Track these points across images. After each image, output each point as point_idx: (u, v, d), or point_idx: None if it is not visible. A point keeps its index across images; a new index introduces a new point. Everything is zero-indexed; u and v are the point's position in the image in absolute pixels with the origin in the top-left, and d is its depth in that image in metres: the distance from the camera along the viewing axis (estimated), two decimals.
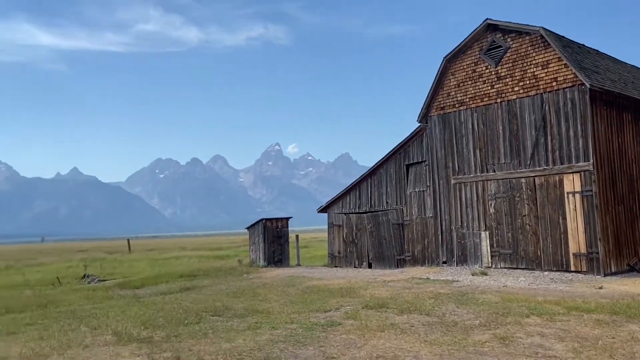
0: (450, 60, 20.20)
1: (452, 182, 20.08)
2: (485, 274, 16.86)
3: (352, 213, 23.82)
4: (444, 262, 20.02)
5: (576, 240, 16.66)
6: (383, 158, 22.72)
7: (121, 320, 10.88)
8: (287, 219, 26.62)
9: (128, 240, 56.77)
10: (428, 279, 16.91)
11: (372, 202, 23.07)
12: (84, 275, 23.43)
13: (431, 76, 21.06)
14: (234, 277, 20.72)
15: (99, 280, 21.93)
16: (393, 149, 22.35)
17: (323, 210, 25.49)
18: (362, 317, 10.31)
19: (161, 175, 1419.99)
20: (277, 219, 26.35)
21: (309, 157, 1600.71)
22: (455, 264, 19.58)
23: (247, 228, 27.11)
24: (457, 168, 19.99)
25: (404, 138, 22.08)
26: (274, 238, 25.58)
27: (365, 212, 23.26)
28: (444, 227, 20.21)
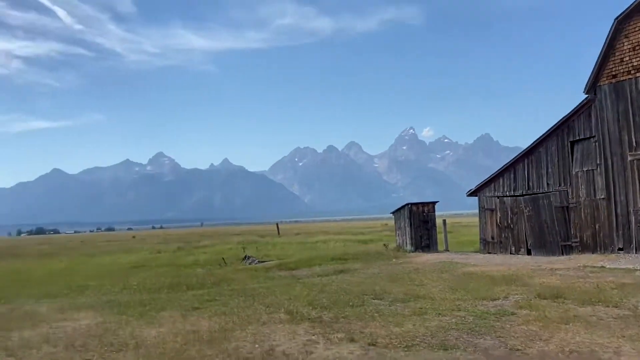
0: (623, 21, 17.70)
1: (629, 158, 17.67)
2: None
3: (507, 196, 22.31)
4: (620, 249, 17.80)
5: None
6: (542, 136, 20.83)
7: (289, 299, 11.43)
8: (434, 203, 25.88)
9: (277, 224, 60.29)
10: (603, 267, 15.15)
11: (530, 184, 21.33)
12: (245, 257, 25.31)
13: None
14: (383, 262, 20.75)
15: (258, 262, 23.50)
16: (554, 125, 20.36)
17: (473, 193, 24.28)
18: (538, 308, 9.51)
19: (300, 163, 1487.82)
20: (422, 204, 25.76)
21: (446, 140, 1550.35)
22: (635, 251, 17.29)
23: (392, 213, 26.96)
24: (634, 143, 17.54)
25: (566, 113, 19.97)
26: (420, 223, 25.08)
27: (522, 195, 21.61)
28: (619, 210, 17.93)
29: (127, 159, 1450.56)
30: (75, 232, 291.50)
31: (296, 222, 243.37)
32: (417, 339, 7.65)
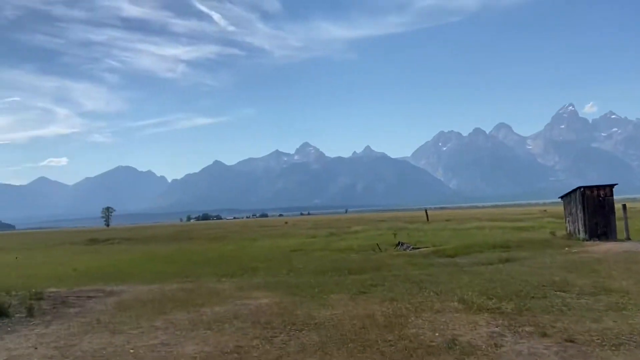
0: None
1: None
2: None
3: None
4: None
5: None
6: None
7: (459, 288, 10.95)
8: (611, 186, 23.00)
9: (426, 210, 59.22)
10: None
11: None
12: (398, 243, 25.13)
13: None
14: (553, 250, 19.04)
15: (412, 248, 23.16)
16: None
17: None
18: None
19: (444, 148, 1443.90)
20: (598, 187, 23.03)
21: (612, 116, 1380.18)
22: None
23: (561, 197, 24.58)
24: None
25: None
26: (595, 208, 22.46)
27: None
28: None
29: (277, 150, 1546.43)
30: (234, 218, 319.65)
31: (442, 208, 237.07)
32: (623, 337, 6.73)
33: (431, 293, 10.53)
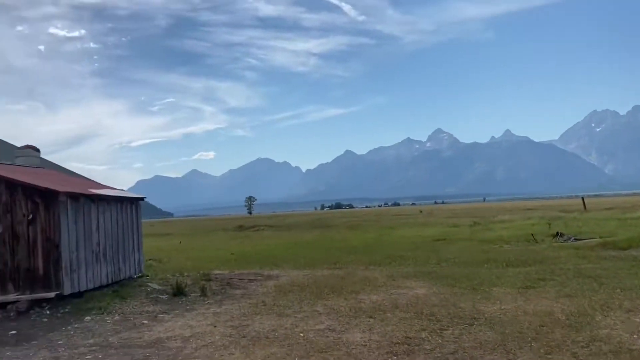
0: None
1: None
2: None
3: None
4: None
5: None
6: None
7: None
8: None
9: (582, 198, 53.75)
10: None
11: None
12: (557, 233, 22.98)
13: None
14: None
15: (574, 239, 20.99)
16: None
17: None
18: None
19: (598, 129, 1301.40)
20: None
21: None
22: None
23: None
24: None
25: None
26: None
27: None
28: None
29: (408, 137, 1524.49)
30: (366, 206, 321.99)
31: (597, 196, 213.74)
32: None
33: (616, 290, 9.29)
